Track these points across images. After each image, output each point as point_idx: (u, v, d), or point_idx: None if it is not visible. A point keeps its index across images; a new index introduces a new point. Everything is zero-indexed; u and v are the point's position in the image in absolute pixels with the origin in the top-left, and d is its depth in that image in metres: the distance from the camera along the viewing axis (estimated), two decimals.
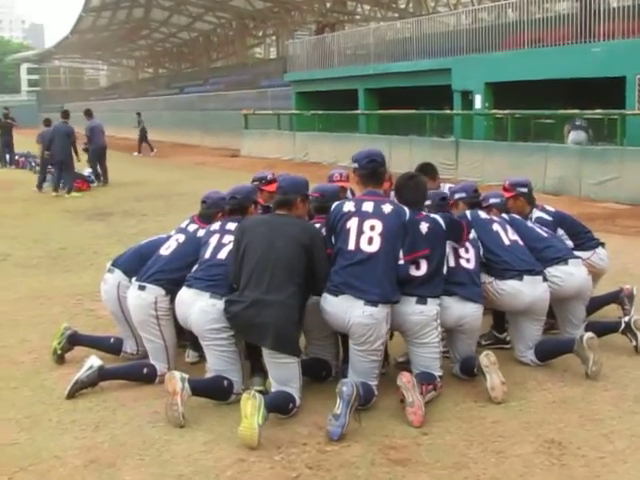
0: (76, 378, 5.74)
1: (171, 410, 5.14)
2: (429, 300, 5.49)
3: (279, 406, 5.19)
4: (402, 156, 22.34)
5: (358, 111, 29.50)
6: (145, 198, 18.07)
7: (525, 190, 7.08)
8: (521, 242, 6.29)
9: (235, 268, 5.50)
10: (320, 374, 5.89)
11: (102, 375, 5.78)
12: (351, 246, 5.42)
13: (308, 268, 5.42)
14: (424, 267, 5.56)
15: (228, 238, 5.80)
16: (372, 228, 5.43)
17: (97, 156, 21.53)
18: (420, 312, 5.47)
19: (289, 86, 35.90)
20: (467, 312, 5.73)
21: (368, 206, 5.55)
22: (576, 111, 19.44)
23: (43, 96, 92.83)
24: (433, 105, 25.14)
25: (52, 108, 77.94)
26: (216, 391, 5.50)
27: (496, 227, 6.27)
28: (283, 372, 5.34)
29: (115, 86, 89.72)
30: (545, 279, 6.10)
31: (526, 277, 5.99)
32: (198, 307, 5.53)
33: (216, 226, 6.03)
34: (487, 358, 5.49)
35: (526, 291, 5.97)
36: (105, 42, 75.64)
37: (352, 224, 5.48)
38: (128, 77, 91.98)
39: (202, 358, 5.92)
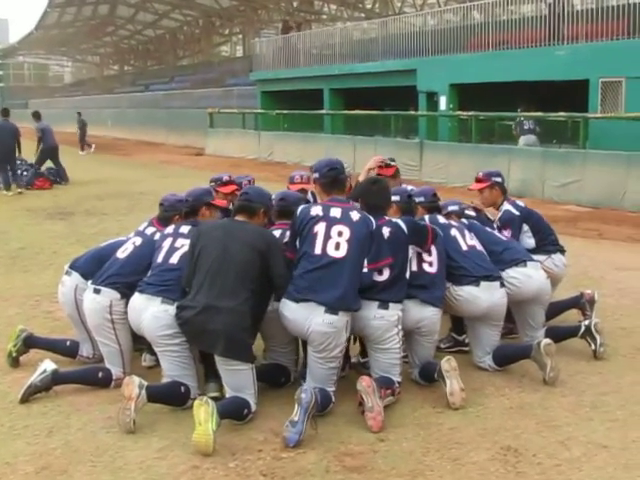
0: (30, 382, 5.65)
1: (123, 415, 5.07)
2: (391, 305, 5.46)
3: (233, 412, 5.14)
4: (367, 156, 22.04)
5: (323, 111, 29.46)
6: (107, 197, 17.90)
7: (500, 179, 7.14)
8: (480, 247, 6.29)
9: (188, 272, 5.45)
10: (279, 380, 5.85)
11: (56, 379, 5.70)
12: (317, 250, 5.37)
13: (263, 274, 5.36)
14: (386, 272, 5.53)
15: (181, 242, 5.75)
16: (340, 234, 5.40)
17: (49, 156, 21.24)
18: (381, 317, 5.43)
19: (255, 85, 35.80)
20: (425, 315, 5.72)
21: (336, 212, 5.51)
22: (539, 113, 19.56)
23: (6, 92, 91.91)
24: (398, 106, 25.18)
25: (16, 104, 77.26)
26: (173, 397, 5.44)
27: (454, 232, 6.26)
28: (236, 379, 5.29)
29: (80, 83, 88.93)
30: (502, 285, 6.10)
31: (483, 283, 5.99)
32: (150, 313, 5.47)
33: (170, 230, 5.98)
34: (448, 363, 5.48)
35: (483, 297, 5.96)
36: (70, 38, 75.01)
37: (319, 228, 5.43)
38: (93, 74, 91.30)
39: (158, 362, 5.83)
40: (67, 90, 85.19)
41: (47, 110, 68.51)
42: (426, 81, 24.56)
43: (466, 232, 6.33)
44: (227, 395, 5.34)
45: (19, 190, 19.03)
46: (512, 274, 6.25)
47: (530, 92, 22.49)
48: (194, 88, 46.36)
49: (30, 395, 5.64)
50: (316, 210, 5.57)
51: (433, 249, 5.93)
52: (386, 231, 5.61)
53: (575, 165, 16.44)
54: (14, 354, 6.38)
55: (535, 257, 6.62)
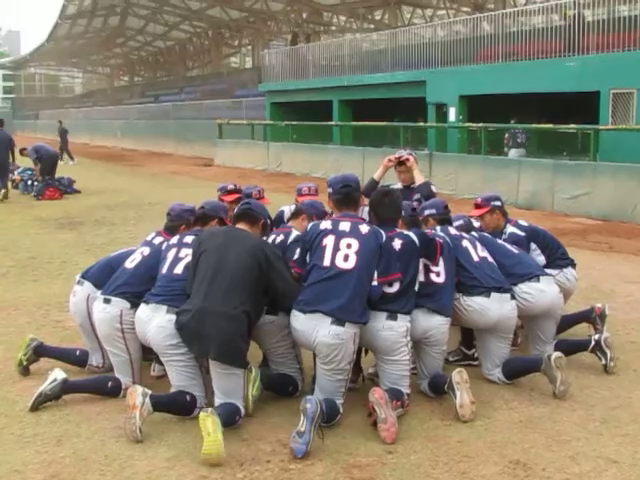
0: (40, 391, 5.67)
1: (129, 424, 5.08)
2: (399, 316, 5.45)
3: (228, 420, 5.13)
4: (376, 168, 22.18)
5: (332, 122, 29.53)
6: (116, 207, 17.94)
7: (499, 204, 7.10)
8: (491, 259, 6.28)
9: (190, 278, 5.49)
10: (287, 389, 5.85)
11: (66, 388, 5.71)
12: (326, 262, 5.39)
13: (260, 283, 5.39)
14: (396, 284, 5.52)
15: (185, 252, 5.78)
16: (349, 246, 5.42)
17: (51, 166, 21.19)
18: (389, 327, 5.42)
19: (264, 96, 35.87)
20: (433, 324, 5.71)
21: (345, 226, 5.55)
22: (549, 125, 19.57)
23: (18, 103, 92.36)
24: (407, 117, 25.24)
25: (27, 115, 77.75)
26: (179, 406, 5.45)
27: (465, 243, 6.26)
28: (228, 383, 5.33)
29: (90, 94, 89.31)
30: (513, 297, 6.09)
31: (494, 294, 5.98)
32: (155, 324, 5.49)
33: (174, 240, 6.02)
34: (460, 375, 5.47)
35: (493, 308, 5.95)
36: (81, 50, 75.44)
37: (328, 241, 5.46)
38: (103, 85, 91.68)
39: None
40: (78, 101, 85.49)
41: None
42: (435, 92, 24.56)
43: (477, 244, 6.32)
44: (216, 399, 5.36)
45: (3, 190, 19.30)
46: (525, 289, 6.23)
47: (540, 104, 22.52)
48: (203, 99, 46.47)
49: (40, 404, 5.65)
50: (325, 224, 5.62)
51: (440, 259, 5.93)
52: (398, 243, 5.62)
53: (585, 177, 16.39)
54: (24, 363, 6.40)
55: (548, 272, 6.60)
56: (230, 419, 5.18)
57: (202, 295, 5.28)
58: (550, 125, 19.55)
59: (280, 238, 6.07)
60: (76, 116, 67.07)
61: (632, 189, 15.30)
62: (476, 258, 6.19)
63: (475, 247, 6.28)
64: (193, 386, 5.49)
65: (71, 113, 70.73)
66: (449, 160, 20.72)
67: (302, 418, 4.89)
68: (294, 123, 29.41)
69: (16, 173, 22.52)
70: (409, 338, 5.53)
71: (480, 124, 20.60)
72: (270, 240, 6.05)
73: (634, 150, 16.66)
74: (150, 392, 5.19)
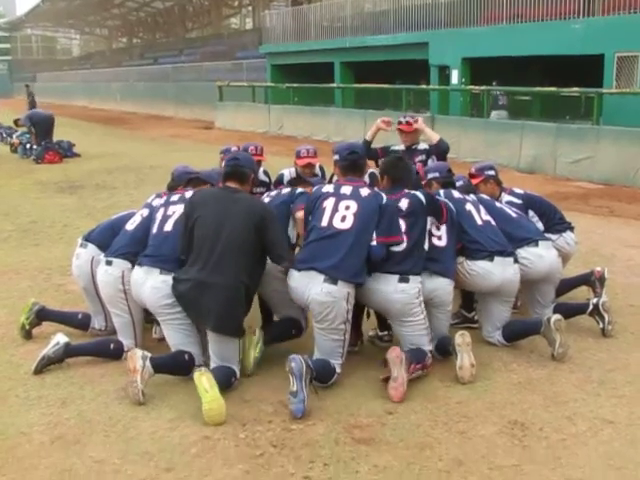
0: (43, 354, 5.73)
1: (131, 387, 5.16)
2: (411, 278, 5.48)
3: (224, 382, 5.20)
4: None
5: (334, 85, 29.38)
6: (117, 171, 17.92)
7: (493, 173, 7.10)
8: (494, 222, 6.31)
9: (183, 243, 5.52)
10: (290, 333, 5.92)
11: (69, 351, 5.78)
12: (324, 223, 5.46)
13: (257, 248, 5.42)
14: (404, 243, 5.54)
15: (172, 209, 5.85)
16: (347, 208, 5.47)
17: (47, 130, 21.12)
18: (402, 291, 5.45)
19: (264, 58, 35.67)
20: (437, 286, 5.74)
21: (346, 189, 5.61)
22: (552, 89, 19.48)
23: (15, 66, 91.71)
24: (410, 80, 25.12)
25: (24, 78, 77.11)
26: (178, 366, 5.51)
27: (469, 207, 6.27)
28: (225, 349, 5.41)
29: (88, 56, 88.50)
30: (516, 261, 6.12)
31: (497, 258, 6.01)
32: (149, 285, 5.56)
33: (161, 201, 6.08)
34: (462, 338, 5.54)
35: (496, 272, 5.98)
36: (78, 10, 74.55)
37: (328, 203, 5.54)
38: (101, 47, 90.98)
39: None
40: (75, 63, 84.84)
41: (56, 83, 68.71)
42: (438, 55, 24.41)
43: (481, 207, 6.35)
44: (212, 363, 5.43)
45: None
46: (523, 254, 6.26)
47: (544, 67, 22.38)
48: (203, 61, 46.10)
49: (43, 367, 5.71)
50: (328, 188, 5.72)
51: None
52: (405, 203, 5.66)
53: (588, 141, 16.30)
54: (27, 327, 6.46)
55: (547, 237, 6.63)
56: (226, 381, 5.25)
57: (201, 266, 5.31)
58: (553, 88, 19.44)
59: (286, 190, 6.15)
60: (74, 78, 66.72)
61: (635, 154, 15.22)
62: (480, 222, 6.21)
63: (479, 210, 6.30)
64: (190, 344, 5.57)
65: (69, 75, 70.38)
66: (451, 123, 20.60)
67: (291, 378, 4.96)
68: (295, 85, 29.23)
69: (14, 137, 22.49)
70: (422, 298, 5.57)
71: (483, 87, 20.51)
72: (274, 193, 6.10)
73: (638, 114, 16.57)
74: (150, 355, 5.26)
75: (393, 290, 5.45)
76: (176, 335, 5.59)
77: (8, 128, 25.26)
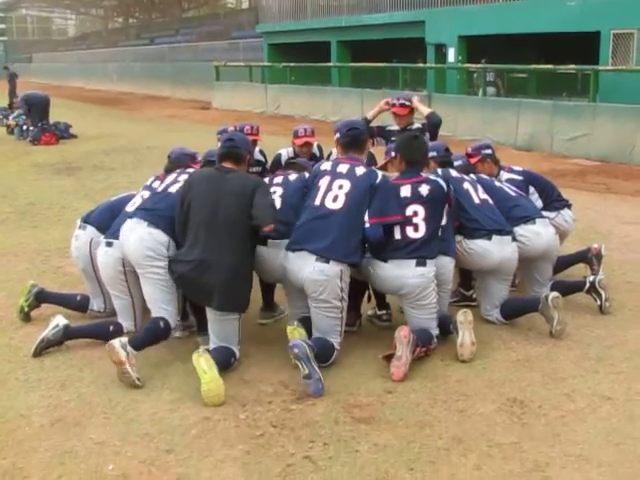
0: (42, 336, 5.74)
1: (124, 378, 5.16)
2: (428, 262, 5.49)
3: (223, 362, 5.23)
4: None
5: (330, 64, 29.29)
6: (114, 152, 17.87)
7: (490, 152, 7.10)
8: (491, 201, 6.31)
9: (178, 223, 5.51)
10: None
11: (68, 334, 5.78)
12: (317, 202, 5.47)
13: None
14: (422, 229, 5.53)
15: (183, 177, 5.86)
16: (340, 187, 5.47)
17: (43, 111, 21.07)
18: (420, 274, 5.46)
19: (261, 37, 35.55)
20: (442, 264, 5.73)
21: (343, 168, 5.60)
22: (549, 66, 19.44)
23: (10, 46, 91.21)
24: (406, 58, 25.04)
25: (20, 58, 76.79)
26: (157, 337, 5.52)
27: (467, 186, 6.27)
28: (225, 328, 5.42)
29: (84, 36, 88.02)
30: (514, 239, 6.13)
31: (495, 237, 6.01)
32: (136, 234, 5.56)
33: (160, 183, 6.11)
34: (464, 316, 5.57)
35: (494, 251, 5.99)
36: None
37: (323, 182, 5.55)
38: (97, 27, 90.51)
39: None
40: (71, 44, 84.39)
41: (52, 64, 68.39)
42: (435, 33, 24.36)
43: (478, 186, 6.35)
44: (211, 344, 5.44)
45: None
46: (520, 232, 6.27)
47: (540, 44, 22.35)
48: (200, 41, 45.93)
49: (43, 349, 5.72)
50: (326, 165, 5.72)
51: None
52: (425, 189, 5.62)
53: (585, 118, 16.31)
54: (26, 309, 6.46)
55: (545, 214, 6.64)
56: (225, 361, 5.27)
57: (200, 245, 5.31)
58: (550, 66, 19.41)
59: (294, 176, 6.08)
60: (70, 59, 66.43)
61: (631, 130, 15.24)
62: (477, 200, 6.21)
63: (476, 189, 6.29)
64: (167, 301, 5.57)
65: (65, 56, 70.06)
66: (448, 101, 20.57)
67: (299, 364, 4.96)
68: (292, 65, 29.17)
69: (11, 118, 22.43)
70: (436, 281, 5.59)
71: (479, 65, 20.48)
72: (280, 180, 6.07)
73: (634, 91, 16.58)
74: (126, 340, 5.25)
75: (411, 274, 5.45)
76: (155, 290, 5.57)
77: (4, 110, 25.19)
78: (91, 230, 6.34)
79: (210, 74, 33.15)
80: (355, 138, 5.87)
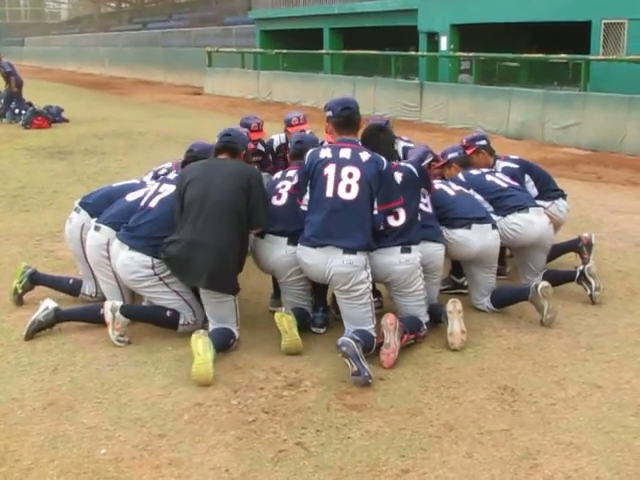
0: (33, 318, 5.76)
1: (112, 338, 5.54)
2: (412, 248, 5.49)
3: (221, 344, 5.30)
4: (366, 97, 22.23)
5: (323, 51, 29.21)
6: (106, 136, 17.82)
7: (484, 142, 7.15)
8: (467, 191, 6.38)
9: (176, 213, 5.53)
10: (306, 322, 5.85)
11: (59, 316, 5.81)
12: (329, 193, 5.37)
13: (246, 208, 5.43)
14: (402, 216, 5.54)
15: (165, 187, 5.88)
16: (350, 175, 5.38)
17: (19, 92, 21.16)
18: (406, 261, 5.46)
19: (254, 24, 35.43)
20: (430, 251, 5.75)
21: (345, 153, 5.49)
22: (540, 55, 19.45)
23: (2, 29, 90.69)
24: (398, 46, 25.01)
25: (12, 42, 76.36)
26: (156, 318, 5.73)
27: (438, 185, 6.33)
28: (220, 310, 5.47)
29: (77, 20, 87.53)
30: (494, 227, 6.15)
31: (475, 225, 6.04)
32: (120, 260, 5.64)
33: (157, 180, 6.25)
34: (453, 305, 5.57)
35: (474, 239, 6.01)
36: None
37: (329, 171, 5.42)
38: (90, 11, 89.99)
39: None
40: (64, 27, 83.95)
41: (44, 48, 68.09)
42: (427, 21, 24.29)
43: (450, 183, 6.45)
44: (210, 326, 5.49)
45: None
46: (514, 220, 6.31)
47: (531, 33, 22.35)
48: (192, 26, 45.75)
49: (34, 332, 5.74)
50: (325, 152, 5.56)
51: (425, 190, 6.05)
52: (398, 176, 5.64)
53: (575, 107, 16.35)
54: (20, 290, 6.48)
55: (540, 203, 6.67)
56: (223, 342, 5.33)
57: (190, 226, 5.34)
58: (541, 55, 19.42)
59: (293, 172, 6.03)
60: (62, 43, 66.12)
61: (621, 120, 15.29)
62: (452, 192, 6.27)
63: (448, 185, 6.39)
64: (172, 303, 5.68)
65: (57, 40, 69.72)
66: (440, 90, 20.60)
67: (347, 361, 4.92)
68: (285, 51, 29.08)
69: (2, 101, 22.32)
70: (422, 267, 5.61)
71: (471, 54, 20.48)
72: (279, 175, 6.11)
73: (624, 81, 16.58)
74: (120, 304, 5.53)
75: (397, 261, 5.46)
76: (160, 303, 5.69)
77: None
78: (84, 215, 6.35)
79: (202, 60, 33.10)
80: (348, 118, 5.68)
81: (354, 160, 5.44)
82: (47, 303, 5.83)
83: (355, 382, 4.92)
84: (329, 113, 5.79)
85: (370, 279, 5.41)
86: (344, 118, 5.69)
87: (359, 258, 5.27)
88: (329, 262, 5.26)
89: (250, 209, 5.45)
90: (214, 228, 5.29)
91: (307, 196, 5.52)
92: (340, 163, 5.43)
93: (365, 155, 5.49)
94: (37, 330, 5.75)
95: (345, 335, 5.08)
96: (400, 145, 7.22)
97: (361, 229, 5.31)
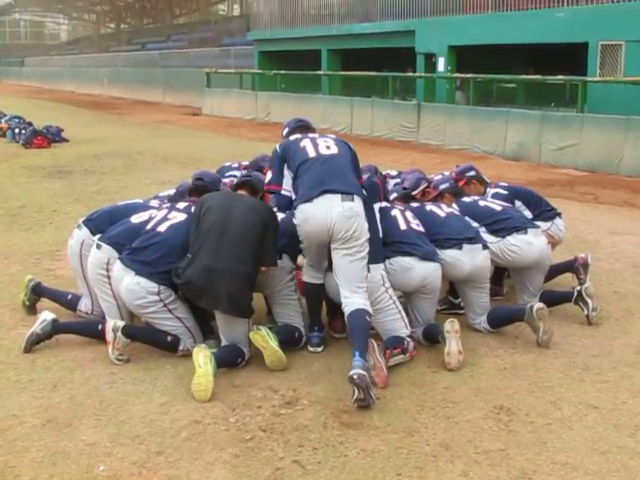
0: (31, 331, 5.82)
1: (112, 358, 5.59)
2: (372, 267, 5.50)
3: (228, 360, 5.37)
4: (364, 118, 22.45)
5: (321, 72, 29.37)
6: (105, 156, 17.88)
7: (474, 173, 7.27)
8: (458, 213, 6.46)
9: (192, 238, 5.56)
10: (293, 338, 5.88)
11: (56, 328, 5.86)
12: (312, 154, 5.56)
13: (261, 239, 5.48)
14: None
15: (174, 214, 5.92)
16: (326, 142, 5.68)
17: None
18: (368, 280, 5.49)
19: (252, 45, 35.59)
20: (429, 271, 5.80)
21: (314, 135, 5.86)
22: (537, 77, 19.56)
23: (2, 50, 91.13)
24: (396, 67, 25.14)
25: (12, 62, 76.62)
26: (155, 341, 5.76)
27: (429, 207, 6.48)
28: (234, 331, 5.52)
29: (76, 41, 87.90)
30: (485, 247, 6.19)
31: (465, 246, 6.07)
32: (125, 285, 5.64)
33: (167, 205, 6.27)
34: (451, 325, 5.58)
35: (465, 260, 6.04)
36: None
37: (306, 143, 5.68)
38: (89, 32, 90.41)
39: None
40: (63, 48, 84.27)
41: (44, 68, 68.35)
42: (424, 42, 24.44)
43: (442, 207, 6.52)
44: (222, 345, 5.56)
45: None
46: (512, 241, 6.35)
47: (528, 55, 22.46)
48: (191, 47, 45.98)
49: (33, 344, 5.79)
50: (294, 137, 5.87)
51: (410, 214, 6.19)
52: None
53: (573, 129, 16.44)
54: (27, 303, 6.63)
55: (539, 224, 6.73)
56: (230, 360, 5.42)
57: (207, 251, 5.36)
58: (538, 76, 19.53)
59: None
60: (62, 63, 66.38)
61: (618, 141, 15.37)
62: (442, 214, 6.34)
63: (439, 207, 6.49)
64: (175, 329, 5.71)
65: (57, 60, 70.00)
66: (437, 111, 20.72)
67: (356, 389, 4.84)
68: (283, 72, 29.23)
69: (2, 121, 22.41)
70: (388, 284, 5.63)
71: (469, 75, 20.60)
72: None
73: (621, 102, 16.69)
74: (122, 324, 5.57)
75: None
76: (161, 326, 5.72)
77: None
78: (85, 232, 6.40)
79: (201, 80, 33.25)
80: (305, 127, 6.19)
81: (325, 136, 5.81)
82: (45, 315, 5.89)
83: (358, 405, 4.90)
84: (286, 130, 6.23)
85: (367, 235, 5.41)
86: (300, 127, 6.17)
87: (358, 204, 5.34)
88: (329, 211, 5.26)
89: (264, 245, 5.51)
90: (233, 254, 5.33)
91: (286, 180, 5.67)
92: (313, 138, 5.74)
93: (332, 136, 5.84)
94: (35, 343, 5.80)
95: (355, 365, 4.93)
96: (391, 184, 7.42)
97: (351, 176, 5.49)
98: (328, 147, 5.59)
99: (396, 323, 5.67)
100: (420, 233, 6.00)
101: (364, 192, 5.61)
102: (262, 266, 5.55)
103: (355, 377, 4.81)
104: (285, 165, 5.70)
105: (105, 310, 6.06)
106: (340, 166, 5.49)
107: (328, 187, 5.32)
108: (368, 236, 5.39)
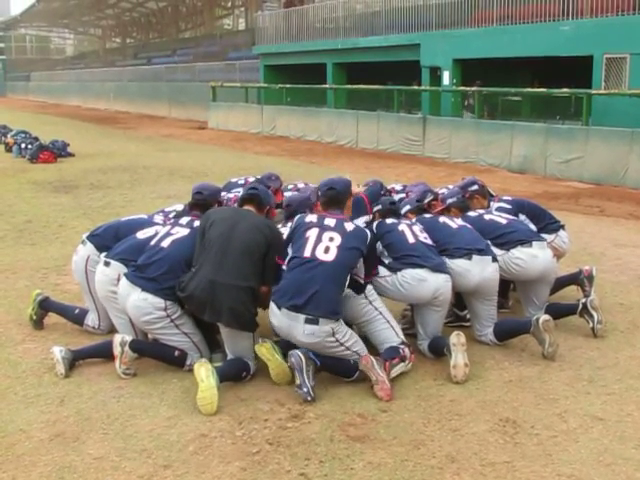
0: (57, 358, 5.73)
1: (119, 372, 5.61)
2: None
3: (232, 373, 5.40)
4: (369, 131, 22.50)
5: (326, 85, 29.45)
6: (111, 171, 17.96)
7: (476, 187, 7.27)
8: (469, 226, 6.47)
9: (197, 252, 5.60)
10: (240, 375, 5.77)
11: (76, 355, 5.83)
12: (307, 253, 5.45)
13: (264, 257, 5.52)
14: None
15: (177, 229, 5.94)
16: (331, 239, 5.48)
17: None
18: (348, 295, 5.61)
19: (257, 59, 35.70)
20: (441, 283, 5.84)
21: (330, 222, 5.64)
22: (542, 90, 19.59)
23: (9, 65, 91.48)
24: (401, 80, 25.19)
25: (18, 77, 76.90)
26: (163, 356, 5.77)
27: (442, 219, 6.50)
28: (238, 345, 5.55)
29: (82, 56, 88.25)
30: (495, 260, 6.21)
31: (475, 257, 6.10)
32: (131, 301, 5.67)
33: (170, 221, 6.29)
34: (457, 338, 5.60)
35: (474, 271, 6.06)
36: (72, 10, 74.40)
37: (312, 233, 5.54)
38: (95, 47, 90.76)
39: None
40: (69, 63, 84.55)
41: (50, 83, 68.64)
42: (429, 56, 24.50)
43: (454, 219, 6.56)
44: (228, 358, 5.60)
45: None
46: (517, 254, 6.37)
47: (534, 68, 22.50)
48: (196, 61, 46.10)
49: (68, 367, 5.73)
50: (311, 218, 5.73)
51: (419, 227, 6.23)
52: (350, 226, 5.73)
53: (578, 141, 16.48)
54: (34, 317, 6.66)
55: (544, 237, 6.74)
56: (235, 373, 5.45)
57: (213, 266, 5.40)
58: (543, 89, 19.57)
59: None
60: (68, 78, 66.63)
61: (624, 153, 15.41)
62: (454, 226, 6.37)
63: (451, 219, 6.52)
64: (182, 344, 5.73)
65: (63, 75, 70.26)
66: (443, 124, 20.76)
67: (296, 374, 5.16)
68: (288, 86, 29.32)
69: (9, 136, 22.50)
70: (370, 298, 5.69)
71: (474, 88, 20.64)
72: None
73: (626, 115, 16.73)
74: (129, 339, 5.60)
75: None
76: (168, 341, 5.75)
77: (2, 127, 25.28)
78: (90, 247, 6.43)
79: (207, 94, 33.36)
80: (332, 198, 5.86)
81: (337, 228, 5.57)
82: (56, 352, 5.74)
83: (299, 395, 5.13)
84: (318, 193, 6.07)
85: (348, 340, 5.40)
86: (328, 198, 5.88)
87: (321, 328, 5.23)
88: (291, 328, 5.29)
89: (265, 264, 5.54)
90: (235, 269, 5.37)
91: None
92: (323, 228, 5.56)
93: (349, 225, 5.63)
94: (70, 367, 5.74)
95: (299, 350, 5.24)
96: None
97: (328, 291, 5.29)
98: (327, 249, 5.42)
99: (387, 332, 5.71)
100: (429, 246, 6.04)
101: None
102: (263, 286, 5.56)
103: (290, 357, 5.19)
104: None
105: (118, 327, 6.09)
106: (322, 276, 5.30)
107: (296, 301, 5.25)
108: (338, 345, 5.35)
